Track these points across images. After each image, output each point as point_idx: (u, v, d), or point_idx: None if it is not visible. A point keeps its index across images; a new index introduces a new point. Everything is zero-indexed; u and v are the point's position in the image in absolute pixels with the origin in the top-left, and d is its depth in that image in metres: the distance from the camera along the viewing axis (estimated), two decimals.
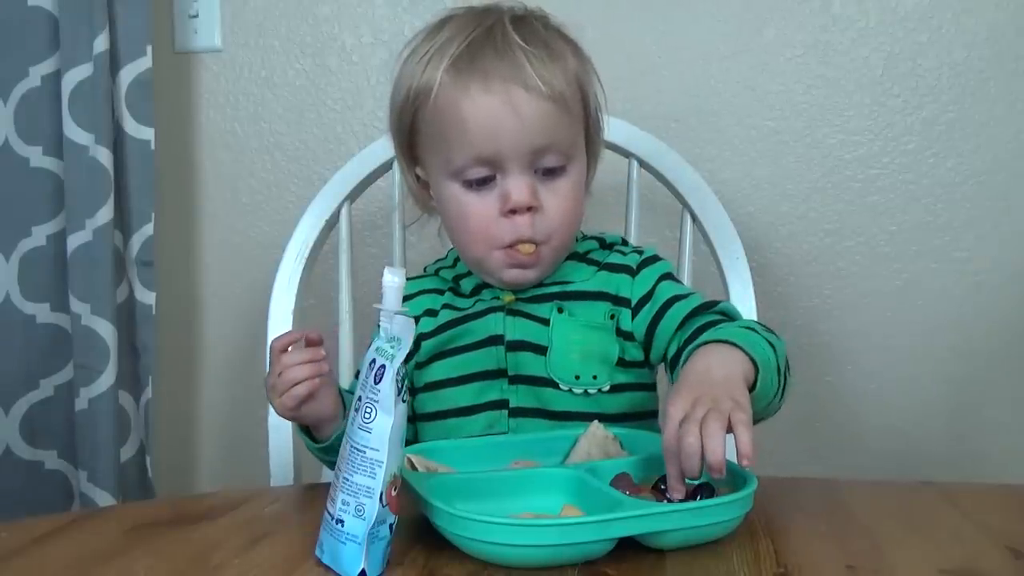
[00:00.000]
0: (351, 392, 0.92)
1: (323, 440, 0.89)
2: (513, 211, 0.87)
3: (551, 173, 0.88)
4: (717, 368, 0.74)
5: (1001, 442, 1.37)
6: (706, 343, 0.78)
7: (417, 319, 0.95)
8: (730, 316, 0.89)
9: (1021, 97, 1.33)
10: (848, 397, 1.40)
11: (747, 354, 0.75)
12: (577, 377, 0.91)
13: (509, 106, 0.84)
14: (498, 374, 0.93)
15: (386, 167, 1.19)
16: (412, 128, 0.91)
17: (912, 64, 1.35)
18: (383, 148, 1.13)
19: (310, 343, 0.84)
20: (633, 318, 0.93)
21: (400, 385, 0.64)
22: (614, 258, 0.96)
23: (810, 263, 1.39)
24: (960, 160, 1.35)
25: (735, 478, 0.72)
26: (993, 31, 1.33)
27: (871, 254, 1.38)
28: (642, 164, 1.18)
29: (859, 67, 1.36)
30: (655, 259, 0.97)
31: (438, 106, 0.87)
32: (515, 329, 0.93)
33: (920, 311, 1.37)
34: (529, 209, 0.87)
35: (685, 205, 1.16)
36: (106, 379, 1.37)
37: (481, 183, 0.88)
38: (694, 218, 1.16)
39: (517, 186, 0.86)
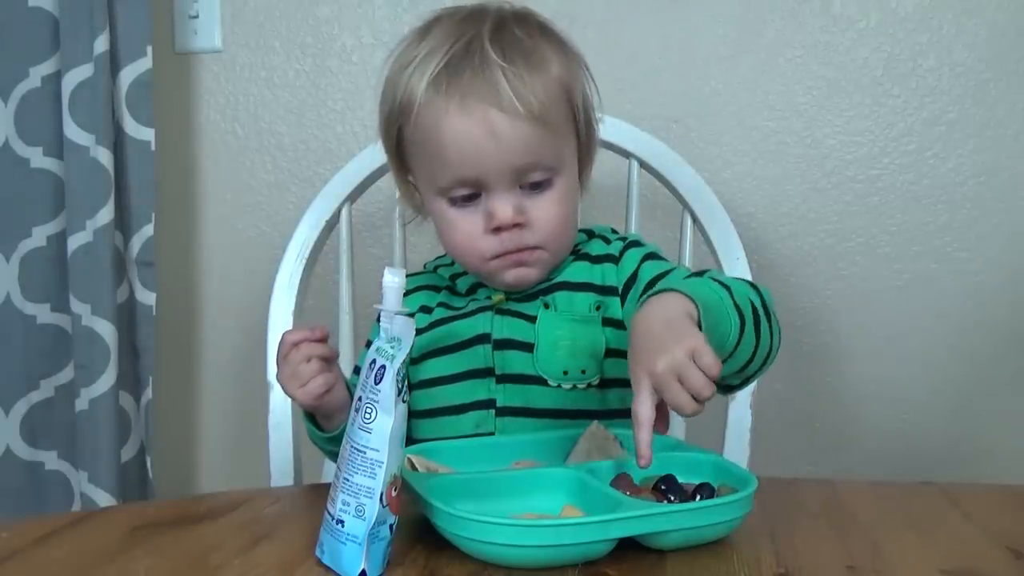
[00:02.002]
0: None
1: (331, 430, 0.91)
2: (499, 228, 0.87)
3: (538, 186, 0.88)
4: (655, 318, 0.71)
5: (1001, 442, 1.37)
6: (644, 302, 0.75)
7: (412, 315, 0.95)
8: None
9: (1022, 98, 1.33)
10: (848, 397, 1.40)
11: (683, 293, 0.72)
12: (565, 372, 0.91)
13: (487, 129, 0.83)
14: (486, 373, 0.93)
15: (386, 167, 1.17)
16: (399, 139, 0.92)
17: (912, 65, 1.35)
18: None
19: (319, 340, 0.87)
20: (623, 305, 0.92)
21: (400, 385, 0.64)
22: (597, 248, 0.96)
23: (810, 263, 1.39)
24: (960, 161, 1.35)
25: (735, 478, 0.72)
26: (993, 31, 1.33)
27: (872, 255, 1.38)
28: (642, 165, 1.18)
29: (859, 68, 1.36)
30: (637, 243, 0.96)
31: (420, 124, 0.87)
32: (502, 328, 0.93)
33: (920, 311, 1.37)
34: (515, 225, 0.87)
35: (685, 205, 1.16)
36: (106, 379, 1.37)
37: (467, 199, 0.88)
38: (694, 218, 1.16)
39: (501, 205, 0.86)
